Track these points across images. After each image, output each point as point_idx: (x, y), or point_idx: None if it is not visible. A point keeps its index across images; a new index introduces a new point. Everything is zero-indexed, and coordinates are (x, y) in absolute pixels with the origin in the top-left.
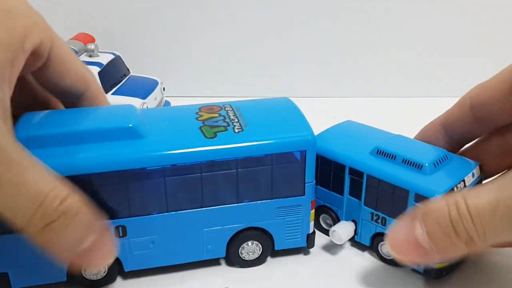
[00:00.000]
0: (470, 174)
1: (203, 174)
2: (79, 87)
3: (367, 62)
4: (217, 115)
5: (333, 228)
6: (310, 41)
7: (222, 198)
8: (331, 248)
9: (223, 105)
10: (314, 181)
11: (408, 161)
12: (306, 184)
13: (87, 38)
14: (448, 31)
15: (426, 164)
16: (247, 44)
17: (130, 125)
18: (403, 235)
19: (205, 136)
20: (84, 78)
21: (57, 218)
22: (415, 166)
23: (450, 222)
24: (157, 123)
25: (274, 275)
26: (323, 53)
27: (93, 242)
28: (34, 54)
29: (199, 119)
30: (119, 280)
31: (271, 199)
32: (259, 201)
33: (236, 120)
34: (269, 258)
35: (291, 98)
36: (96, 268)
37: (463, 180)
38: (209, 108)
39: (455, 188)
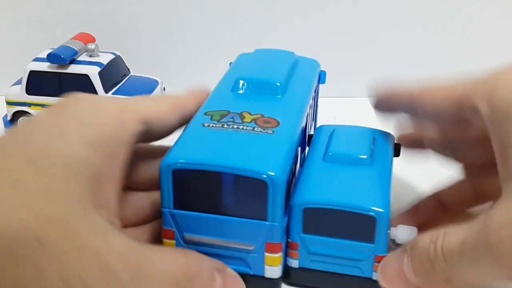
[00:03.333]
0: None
1: None
2: None
3: (368, 61)
4: None
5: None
6: (311, 42)
7: None
8: None
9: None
10: None
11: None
12: None
13: (87, 38)
14: (451, 28)
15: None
16: (248, 45)
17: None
18: (392, 267)
19: None
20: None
21: None
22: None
23: (429, 260)
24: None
25: None
26: (325, 52)
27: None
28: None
29: None
30: None
31: None
32: None
33: None
34: None
35: None
36: None
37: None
38: None
39: None
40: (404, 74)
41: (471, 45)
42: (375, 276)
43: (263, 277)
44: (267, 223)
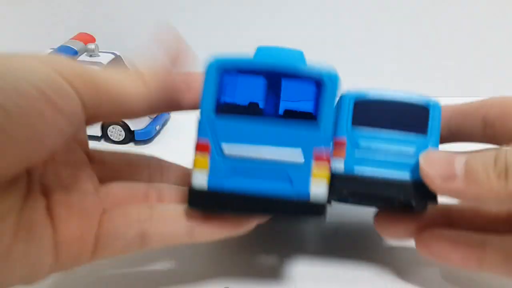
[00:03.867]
0: None
1: None
2: None
3: (368, 60)
4: None
5: None
6: (312, 40)
7: None
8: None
9: None
10: None
11: None
12: None
13: (87, 38)
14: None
15: None
16: (248, 46)
17: None
18: (441, 158)
19: None
20: None
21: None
22: None
23: (494, 158)
24: None
25: (275, 275)
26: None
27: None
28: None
29: None
30: (118, 279)
31: None
32: None
33: None
34: (269, 257)
35: None
36: None
37: None
38: None
39: None
40: (410, 74)
41: (484, 47)
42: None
43: (307, 203)
44: (319, 124)
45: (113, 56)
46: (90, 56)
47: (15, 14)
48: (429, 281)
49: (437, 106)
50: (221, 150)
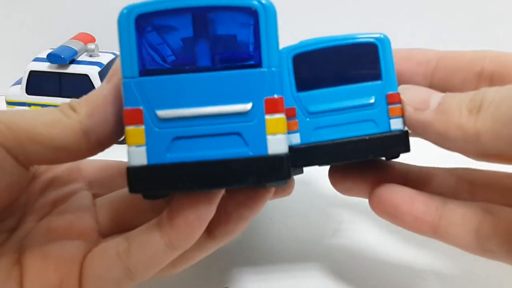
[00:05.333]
0: None
1: None
2: None
3: None
4: None
5: None
6: None
7: None
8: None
9: None
10: None
11: None
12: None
13: (87, 38)
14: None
15: None
16: None
17: None
18: (420, 88)
19: None
20: None
21: None
22: None
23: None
24: None
25: (274, 275)
26: None
27: None
28: None
29: None
30: None
31: None
32: None
33: None
34: (269, 257)
35: None
36: None
37: None
38: None
39: None
40: None
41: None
42: (394, 125)
43: (266, 157)
44: (264, 69)
45: (113, 56)
46: (90, 56)
47: (15, 14)
48: (430, 277)
49: (385, 40)
50: (156, 117)
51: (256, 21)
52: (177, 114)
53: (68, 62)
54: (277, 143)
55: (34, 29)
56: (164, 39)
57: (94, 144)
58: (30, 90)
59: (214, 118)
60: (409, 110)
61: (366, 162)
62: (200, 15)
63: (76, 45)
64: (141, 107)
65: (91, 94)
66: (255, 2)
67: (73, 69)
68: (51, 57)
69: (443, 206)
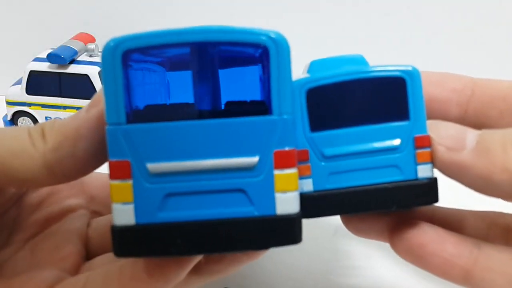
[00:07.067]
0: None
1: None
2: None
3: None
4: None
5: None
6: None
7: None
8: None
9: None
10: None
11: None
12: None
13: (87, 38)
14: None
15: None
16: None
17: None
18: (452, 125)
19: None
20: None
21: None
22: None
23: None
24: None
25: (274, 276)
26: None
27: None
28: None
29: None
30: None
31: None
32: None
33: None
34: (269, 257)
35: None
36: None
37: None
38: None
39: None
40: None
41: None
42: (421, 172)
43: (274, 218)
44: (274, 117)
45: None
46: (90, 56)
47: (15, 14)
48: (431, 277)
49: (415, 73)
50: (147, 171)
51: (266, 59)
52: (171, 168)
53: (68, 62)
54: (287, 202)
55: (34, 29)
56: (156, 79)
57: (59, 177)
58: (30, 90)
59: (215, 172)
60: (442, 150)
61: None
62: (200, 52)
63: (76, 45)
64: (128, 159)
65: (66, 120)
66: (264, 38)
67: (73, 69)
68: (51, 57)
69: (479, 249)
